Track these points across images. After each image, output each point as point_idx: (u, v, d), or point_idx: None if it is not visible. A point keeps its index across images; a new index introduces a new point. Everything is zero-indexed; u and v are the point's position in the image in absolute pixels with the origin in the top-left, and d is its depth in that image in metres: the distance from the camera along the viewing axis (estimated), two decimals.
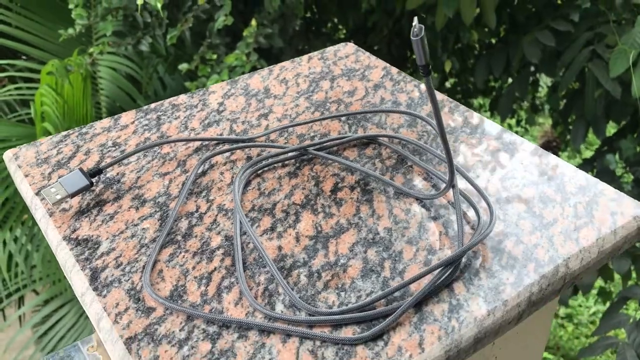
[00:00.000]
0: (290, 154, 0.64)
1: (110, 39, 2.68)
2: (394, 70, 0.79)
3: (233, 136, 0.67)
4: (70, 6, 2.50)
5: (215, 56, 2.55)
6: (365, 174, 0.61)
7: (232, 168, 0.63)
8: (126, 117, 0.71)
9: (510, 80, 2.58)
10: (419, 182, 0.61)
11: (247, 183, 0.61)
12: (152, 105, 0.73)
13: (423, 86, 0.76)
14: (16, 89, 2.85)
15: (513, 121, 3.18)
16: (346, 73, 0.78)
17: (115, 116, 0.71)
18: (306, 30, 2.92)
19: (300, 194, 0.60)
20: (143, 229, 0.56)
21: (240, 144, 0.65)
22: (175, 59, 2.93)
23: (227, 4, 2.37)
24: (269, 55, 2.50)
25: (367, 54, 0.82)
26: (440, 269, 0.49)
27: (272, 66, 0.80)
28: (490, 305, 0.48)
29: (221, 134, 0.68)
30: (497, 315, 0.48)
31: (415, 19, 0.44)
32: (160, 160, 0.64)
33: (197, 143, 0.66)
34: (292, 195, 0.59)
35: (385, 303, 0.48)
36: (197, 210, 0.58)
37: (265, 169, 0.63)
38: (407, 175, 0.62)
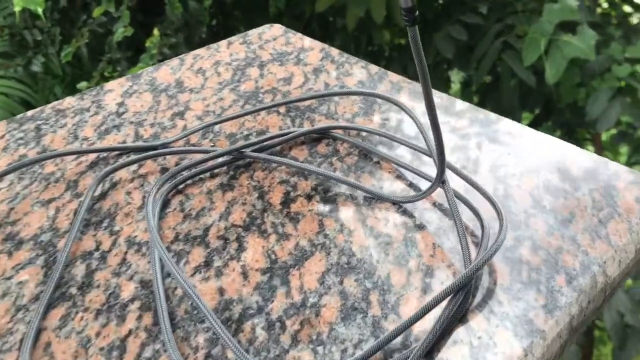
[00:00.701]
0: (219, 160, 0.48)
1: None
2: (335, 51, 0.65)
3: (140, 143, 0.51)
4: None
5: (116, 73, 2.34)
6: (324, 177, 0.47)
7: (142, 185, 0.47)
8: None
9: None
10: (392, 182, 0.47)
11: (166, 203, 0.45)
12: (29, 113, 0.55)
13: (372, 67, 0.62)
14: None
15: None
16: (277, 57, 0.63)
17: None
18: (213, 37, 2.75)
19: (241, 211, 0.44)
20: (19, 282, 0.39)
21: (151, 152, 0.48)
22: (73, 78, 2.68)
23: (125, 14, 2.17)
24: None
25: (299, 35, 0.68)
26: (448, 297, 0.36)
27: (183, 55, 0.64)
28: (525, 340, 0.34)
29: (124, 142, 0.51)
30: (536, 355, 0.34)
31: None
32: (42, 183, 0.47)
33: (92, 156, 0.49)
34: (230, 214, 0.44)
35: (382, 356, 0.34)
36: (97, 248, 0.41)
37: (188, 181, 0.47)
38: (375, 173, 0.48)
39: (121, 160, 0.49)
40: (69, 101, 0.57)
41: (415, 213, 0.44)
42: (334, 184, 0.47)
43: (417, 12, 0.32)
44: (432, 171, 0.47)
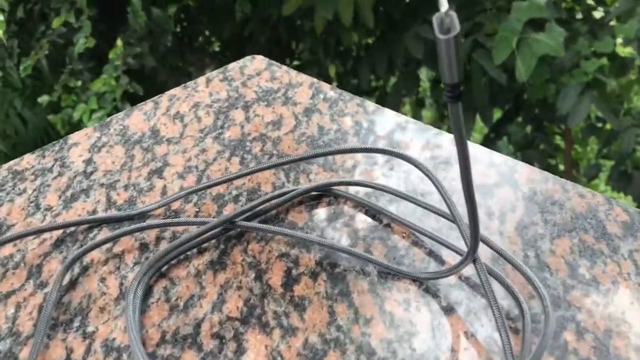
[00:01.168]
0: (209, 233, 0.42)
1: None
2: (326, 86, 0.58)
3: (114, 212, 0.44)
4: None
5: (79, 83, 2.24)
6: (329, 248, 0.41)
7: (118, 268, 0.40)
8: None
9: (392, 78, 2.53)
10: (407, 250, 0.41)
11: (148, 291, 0.38)
12: None
13: (368, 105, 0.56)
14: None
15: None
16: (263, 96, 0.57)
17: None
18: (179, 45, 2.66)
19: (237, 297, 0.38)
20: None
21: (127, 228, 0.42)
22: (34, 91, 2.57)
23: (86, 24, 2.07)
24: (142, 77, 2.22)
25: (285, 67, 0.61)
26: None
27: (157, 97, 0.57)
28: None
29: (94, 211, 0.44)
30: None
31: (444, 1, 0.24)
32: None
33: (58, 233, 0.42)
34: (224, 302, 0.37)
35: None
36: (68, 358, 0.34)
37: (173, 261, 0.40)
38: (388, 240, 0.42)
39: (92, 239, 0.42)
40: (28, 160, 0.49)
41: (440, 291, 0.38)
42: (342, 255, 0.40)
43: (462, 90, 0.27)
44: (454, 236, 0.42)
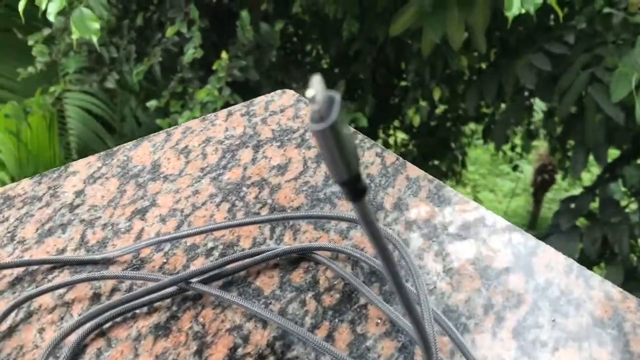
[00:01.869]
0: (162, 292, 0.38)
1: (74, 76, 2.45)
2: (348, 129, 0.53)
3: (80, 254, 0.42)
4: (30, 42, 2.27)
5: (191, 90, 2.32)
6: (284, 329, 0.36)
7: (62, 318, 0.37)
8: None
9: (503, 105, 2.39)
10: (377, 344, 0.35)
11: (79, 352, 0.35)
12: None
13: (389, 156, 0.50)
14: None
15: (507, 147, 2.97)
16: (279, 136, 0.53)
17: None
18: (285, 60, 2.68)
19: None
20: None
21: (83, 275, 0.39)
22: (147, 94, 2.70)
23: (196, 36, 2.14)
24: (245, 89, 2.26)
25: None
26: None
27: (174, 127, 0.55)
28: None
29: (62, 250, 0.42)
30: None
31: (314, 81, 0.19)
32: None
33: (19, 270, 0.41)
34: None
35: None
36: None
37: (118, 319, 0.37)
38: (358, 325, 0.36)
39: (50, 281, 0.40)
40: (24, 185, 0.48)
41: None
42: (298, 340, 0.35)
43: (363, 183, 0.21)
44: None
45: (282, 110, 0.56)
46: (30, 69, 2.25)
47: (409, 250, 0.38)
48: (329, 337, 0.35)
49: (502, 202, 4.39)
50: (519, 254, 0.40)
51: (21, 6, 1.34)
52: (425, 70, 2.29)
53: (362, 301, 0.38)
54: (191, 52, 2.18)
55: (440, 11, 1.75)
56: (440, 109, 2.77)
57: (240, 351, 0.35)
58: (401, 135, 3.16)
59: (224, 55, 2.15)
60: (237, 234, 0.43)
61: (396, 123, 2.97)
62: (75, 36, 1.36)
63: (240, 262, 0.40)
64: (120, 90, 2.66)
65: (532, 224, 4.05)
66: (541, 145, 3.79)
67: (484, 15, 1.74)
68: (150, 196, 0.47)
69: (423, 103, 2.45)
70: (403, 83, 2.76)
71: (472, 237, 0.42)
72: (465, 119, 2.82)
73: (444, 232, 0.42)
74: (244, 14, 2.13)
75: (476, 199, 3.50)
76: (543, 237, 1.95)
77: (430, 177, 0.47)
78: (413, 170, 0.48)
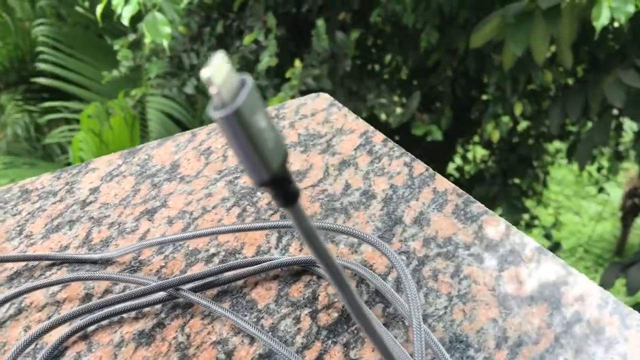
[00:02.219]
0: (151, 297, 0.36)
1: (155, 80, 2.53)
2: (379, 137, 0.50)
3: (80, 253, 0.41)
4: (116, 47, 2.37)
5: (265, 96, 2.34)
6: (270, 348, 0.33)
7: (49, 317, 0.36)
8: None
9: (589, 124, 2.26)
10: None
11: (60, 353, 0.34)
12: None
13: (418, 166, 0.46)
14: (61, 132, 2.74)
15: (593, 168, 2.79)
16: (304, 141, 0.50)
17: None
18: (360, 70, 2.65)
19: None
20: None
21: (75, 274, 0.38)
22: None
23: (271, 44, 2.15)
24: None
25: (345, 110, 0.54)
26: None
27: (200, 128, 0.53)
28: None
29: (65, 247, 0.41)
30: None
31: (214, 60, 0.16)
32: None
33: (20, 265, 0.40)
34: None
35: None
36: None
37: (104, 322, 0.36)
38: (354, 348, 0.33)
39: (47, 277, 0.39)
40: (43, 180, 0.48)
41: None
42: (283, 358, 0.32)
43: (292, 186, 0.18)
44: None
45: (312, 114, 0.53)
46: (115, 73, 2.34)
47: (407, 270, 0.34)
48: (322, 357, 0.32)
49: (587, 225, 4.16)
50: (547, 282, 0.35)
51: (99, 11, 1.39)
52: (507, 84, 2.20)
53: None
54: (266, 60, 2.20)
55: (524, 23, 1.67)
56: (523, 125, 2.65)
57: None
58: (481, 151, 3.05)
59: (297, 63, 2.15)
60: (241, 241, 0.40)
61: (476, 138, 2.88)
62: (147, 40, 1.39)
63: (238, 271, 0.37)
64: (200, 96, 2.72)
65: (619, 250, 3.81)
66: (632, 168, 3.56)
67: (571, 28, 1.65)
68: (163, 197, 0.45)
69: (504, 118, 2.35)
70: (484, 97, 2.67)
71: (496, 259, 0.37)
72: (549, 137, 2.69)
73: (464, 252, 0.38)
74: (320, 22, 2.12)
75: (558, 222, 3.33)
76: (628, 264, 1.81)
77: (461, 191, 0.43)
78: (442, 183, 0.44)
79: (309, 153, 0.49)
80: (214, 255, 0.40)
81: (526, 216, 2.70)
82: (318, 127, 0.52)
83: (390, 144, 0.49)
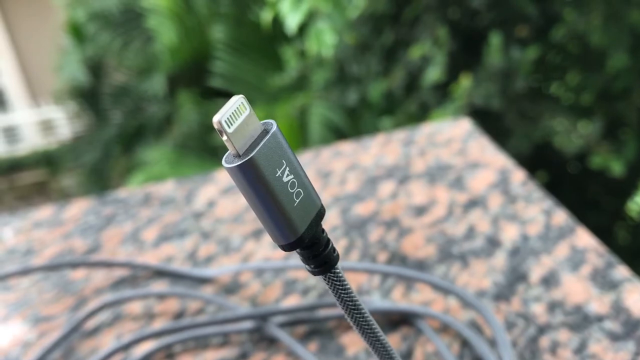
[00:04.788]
0: (239, 325, 0.34)
1: (319, 89, 2.58)
2: (519, 175, 0.44)
3: (184, 267, 0.40)
4: (286, 57, 2.46)
5: (426, 115, 2.30)
6: None
7: (141, 329, 0.36)
8: (75, 207, 0.48)
9: None
10: None
11: None
12: (122, 195, 0.49)
13: (558, 215, 0.40)
14: None
15: None
16: (432, 171, 0.46)
17: (64, 203, 0.49)
18: (536, 92, 2.48)
19: None
20: None
21: (181, 288, 0.37)
22: (382, 111, 2.72)
23: (439, 57, 2.10)
24: (486, 117, 2.14)
25: (485, 140, 0.49)
26: None
27: (326, 147, 0.51)
28: None
29: (171, 258, 0.41)
30: None
31: (228, 104, 0.13)
32: (56, 289, 0.40)
33: (125, 272, 0.41)
34: None
35: None
36: None
37: (190, 344, 0.35)
38: None
39: (142, 288, 0.39)
40: (168, 186, 0.49)
41: None
42: None
43: (324, 251, 0.15)
44: None
45: (447, 143, 0.49)
46: (285, 78, 2.42)
47: (508, 342, 0.29)
48: None
49: None
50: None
51: (267, 18, 1.43)
52: None
53: None
54: (433, 74, 2.15)
55: None
56: None
57: None
58: None
59: (464, 81, 2.07)
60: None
61: None
62: (311, 48, 1.41)
63: (331, 310, 0.35)
64: (362, 107, 2.73)
65: None
66: None
67: None
68: None
69: None
70: None
71: (635, 341, 0.31)
72: None
73: (595, 325, 0.32)
74: (495, 36, 2.02)
75: None
76: None
77: (603, 251, 0.37)
78: (582, 239, 0.38)
79: (435, 186, 0.44)
80: (311, 288, 0.37)
81: None
82: (450, 158, 0.47)
83: (531, 185, 0.43)
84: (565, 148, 2.14)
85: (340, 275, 0.16)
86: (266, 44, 2.69)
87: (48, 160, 3.61)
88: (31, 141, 4.20)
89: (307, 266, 0.16)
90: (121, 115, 3.04)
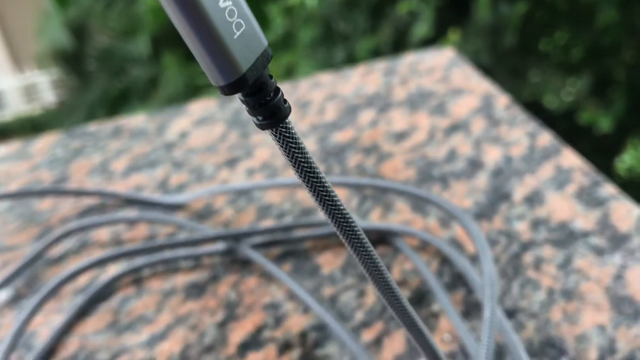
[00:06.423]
0: (211, 247, 0.33)
1: (305, 47, 2.54)
2: (502, 100, 0.43)
3: (154, 195, 0.39)
4: (272, 14, 2.40)
5: None
6: (324, 321, 0.28)
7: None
8: (43, 141, 0.47)
9: None
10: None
11: (110, 292, 0.32)
12: (92, 128, 0.47)
13: (542, 137, 0.39)
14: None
15: None
16: (414, 99, 0.44)
17: (30, 139, 0.47)
18: (525, 47, 2.45)
19: (178, 338, 0.29)
20: None
21: (151, 214, 0.36)
22: None
23: (426, 13, 2.06)
24: None
25: (469, 69, 0.47)
26: None
27: (305, 79, 0.49)
28: None
29: (139, 188, 0.40)
30: None
31: None
32: (21, 220, 0.38)
33: (94, 201, 0.39)
34: (164, 338, 0.29)
35: None
36: None
37: (160, 268, 0.33)
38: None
39: (109, 215, 0.37)
40: (139, 119, 0.47)
41: None
42: (335, 334, 0.28)
43: (274, 97, 0.13)
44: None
45: (429, 71, 0.47)
46: (269, 37, 2.38)
47: (488, 249, 0.28)
48: (377, 342, 0.27)
49: None
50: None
51: None
52: None
53: (435, 308, 0.28)
54: (420, 31, 2.11)
55: None
56: None
57: (265, 334, 0.28)
58: None
59: (451, 36, 2.04)
60: None
61: None
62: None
63: (306, 231, 0.33)
64: (349, 65, 2.69)
65: None
66: None
67: None
68: (249, 146, 0.42)
69: None
70: None
71: (621, 254, 0.30)
72: None
73: (580, 241, 0.31)
74: None
75: None
76: None
77: (590, 170, 0.35)
78: (568, 159, 0.36)
79: (417, 112, 0.43)
80: (287, 212, 0.36)
81: None
82: (432, 86, 0.45)
83: (515, 110, 0.42)
84: (554, 105, 2.13)
85: (292, 129, 0.14)
86: (251, 0, 2.63)
87: (33, 126, 3.55)
88: (15, 107, 4.14)
89: (254, 118, 0.14)
90: (105, 78, 2.99)
